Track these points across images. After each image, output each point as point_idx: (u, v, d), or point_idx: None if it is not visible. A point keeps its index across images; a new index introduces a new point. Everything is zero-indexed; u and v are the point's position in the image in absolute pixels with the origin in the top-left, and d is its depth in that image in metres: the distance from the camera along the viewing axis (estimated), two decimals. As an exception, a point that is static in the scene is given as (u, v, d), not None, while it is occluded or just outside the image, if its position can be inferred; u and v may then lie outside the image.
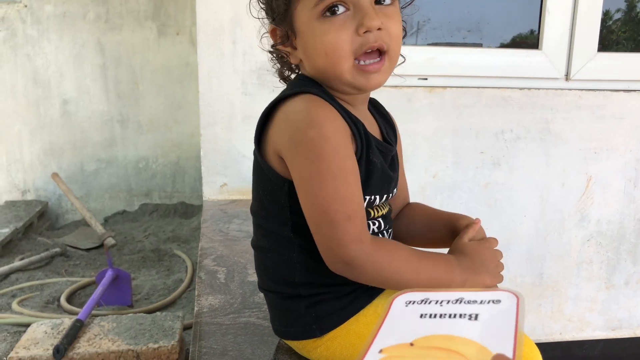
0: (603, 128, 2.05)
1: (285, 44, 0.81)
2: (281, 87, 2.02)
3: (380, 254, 0.73)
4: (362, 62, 0.75)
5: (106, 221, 3.60)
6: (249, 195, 1.93)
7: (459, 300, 0.52)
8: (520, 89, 1.98)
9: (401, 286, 0.67)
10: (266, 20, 0.83)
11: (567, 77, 2.03)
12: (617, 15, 2.27)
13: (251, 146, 2.01)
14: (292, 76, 0.88)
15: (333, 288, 0.80)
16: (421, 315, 0.51)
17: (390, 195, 0.88)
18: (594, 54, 2.02)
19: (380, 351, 0.47)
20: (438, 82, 1.94)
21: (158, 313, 1.83)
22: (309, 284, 0.80)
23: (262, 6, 0.83)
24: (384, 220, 0.87)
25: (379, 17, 0.73)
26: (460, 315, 0.49)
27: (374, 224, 0.84)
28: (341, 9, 0.74)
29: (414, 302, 0.53)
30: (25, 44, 3.39)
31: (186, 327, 1.84)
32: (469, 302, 0.52)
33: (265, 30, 0.84)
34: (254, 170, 0.84)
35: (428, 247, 0.88)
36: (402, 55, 0.83)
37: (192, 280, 2.46)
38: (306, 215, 0.74)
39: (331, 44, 0.74)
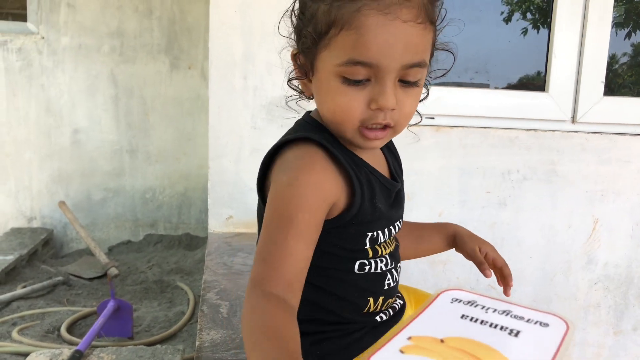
0: (609, 171, 2.05)
1: (302, 72, 0.83)
2: (289, 123, 2.04)
3: (254, 306, 0.64)
4: (365, 129, 0.76)
5: (110, 251, 3.59)
6: (254, 229, 1.94)
7: (506, 312, 0.51)
8: (527, 130, 2.00)
9: (245, 342, 0.62)
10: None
11: (573, 119, 2.04)
12: (623, 59, 2.30)
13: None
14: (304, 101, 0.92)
15: (339, 326, 0.79)
16: (462, 316, 0.50)
17: (394, 231, 0.88)
18: (600, 97, 2.04)
19: (409, 338, 0.47)
20: (445, 121, 1.96)
21: (158, 346, 1.81)
22: (314, 321, 0.80)
23: (293, 25, 0.84)
24: (391, 258, 0.87)
25: (395, 96, 0.74)
26: (502, 328, 0.48)
27: (381, 261, 0.85)
28: (362, 78, 0.73)
29: (460, 300, 0.51)
30: (41, 74, 3.46)
31: (186, 361, 1.81)
32: (515, 316, 0.50)
33: (289, 46, 0.85)
34: (258, 210, 0.85)
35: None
36: (418, 113, 0.84)
37: (193, 313, 2.44)
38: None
39: (341, 107, 0.75)
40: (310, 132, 0.79)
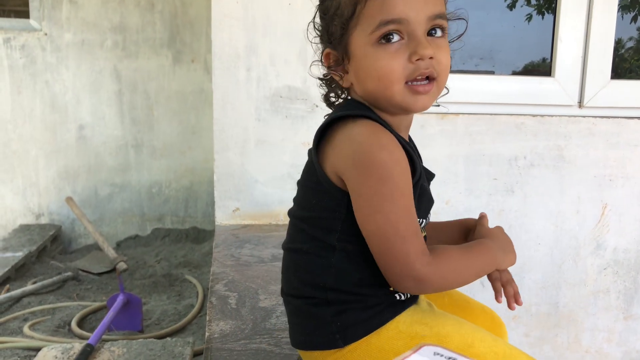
0: (617, 155, 2.03)
1: (337, 68, 0.85)
2: (294, 114, 2.02)
3: (442, 264, 0.77)
4: (413, 85, 0.79)
5: (118, 245, 3.61)
6: (261, 220, 1.94)
7: None
8: (533, 115, 1.98)
9: (460, 284, 0.80)
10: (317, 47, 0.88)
11: (580, 104, 2.02)
12: (630, 44, 2.28)
13: (264, 171, 2.01)
14: (339, 101, 0.92)
15: (361, 297, 0.80)
16: None
17: (427, 221, 0.90)
18: (607, 81, 2.02)
19: None
20: (451, 108, 1.94)
21: (168, 339, 1.82)
22: (339, 290, 0.80)
23: (318, 32, 0.87)
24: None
25: (431, 47, 0.77)
26: None
27: None
28: (396, 37, 0.78)
29: (442, 355, 0.55)
30: (45, 70, 3.47)
31: (196, 354, 1.82)
32: None
33: (316, 58, 0.88)
34: (308, 180, 0.85)
35: None
36: (446, 87, 0.86)
37: (202, 306, 2.45)
38: (372, 232, 0.76)
39: (384, 69, 0.78)
40: (365, 112, 0.81)
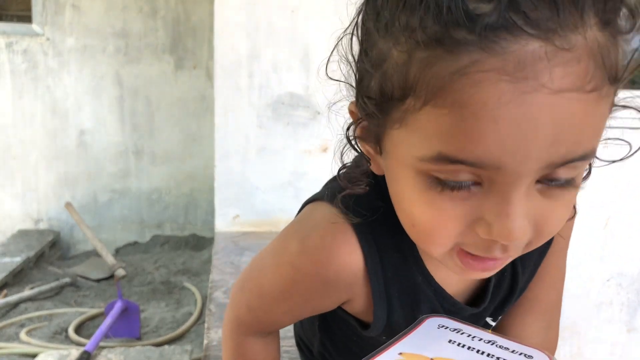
0: (622, 166, 2.02)
1: (367, 138, 0.50)
2: (295, 121, 1.98)
3: (239, 344, 0.65)
4: (464, 252, 0.47)
5: (117, 252, 3.59)
6: (260, 228, 1.92)
7: (491, 342, 0.51)
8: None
9: None
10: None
11: (583, 114, 2.01)
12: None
13: (264, 178, 2.00)
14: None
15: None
16: (450, 341, 0.50)
17: None
18: (610, 91, 2.01)
19: (400, 354, 0.47)
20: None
21: (166, 346, 1.81)
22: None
23: (349, 63, 0.50)
24: None
25: (529, 212, 0.42)
26: (489, 355, 0.49)
27: None
28: (466, 182, 0.42)
29: (447, 327, 0.53)
30: (46, 75, 3.46)
31: (194, 362, 1.80)
32: (500, 346, 0.50)
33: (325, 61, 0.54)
34: None
35: None
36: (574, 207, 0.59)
37: (201, 314, 2.43)
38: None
39: (426, 224, 0.45)
40: (354, 196, 0.54)
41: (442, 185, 0.42)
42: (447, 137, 0.40)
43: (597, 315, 2.09)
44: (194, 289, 2.73)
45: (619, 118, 0.49)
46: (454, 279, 0.58)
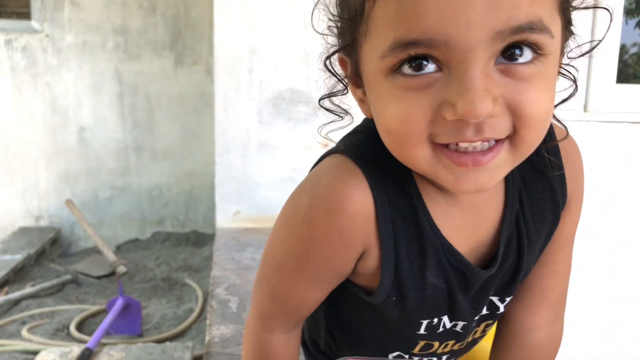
0: (622, 159, 2.02)
1: (357, 85, 0.55)
2: (296, 117, 1.97)
3: (261, 342, 0.64)
4: (448, 149, 0.47)
5: (118, 249, 3.59)
6: (262, 224, 1.92)
7: None
8: (538, 120, 1.97)
9: None
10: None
11: (585, 108, 2.01)
12: (634, 50, 2.26)
13: (265, 174, 1.99)
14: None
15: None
16: None
17: (472, 325, 0.64)
18: (612, 85, 2.00)
19: None
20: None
21: (168, 343, 1.80)
22: (328, 354, 0.75)
23: (334, 19, 0.55)
24: (453, 354, 0.68)
25: (495, 90, 0.44)
26: None
27: (429, 359, 0.67)
28: (429, 67, 0.45)
29: None
30: (46, 72, 3.46)
31: (196, 358, 1.80)
32: None
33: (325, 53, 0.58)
34: None
35: None
36: (561, 123, 0.58)
37: (202, 311, 2.43)
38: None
39: (396, 121, 0.47)
40: (356, 146, 0.56)
41: (406, 77, 0.45)
42: (397, 23, 0.43)
43: (596, 308, 2.09)
44: (195, 285, 2.73)
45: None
46: (462, 236, 0.57)
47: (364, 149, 0.55)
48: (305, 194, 0.57)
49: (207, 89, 3.54)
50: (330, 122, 0.60)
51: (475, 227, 0.58)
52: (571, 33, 0.51)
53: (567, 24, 0.50)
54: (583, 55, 0.54)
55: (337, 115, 0.60)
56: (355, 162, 0.54)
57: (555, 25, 0.46)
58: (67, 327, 2.23)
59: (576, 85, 0.56)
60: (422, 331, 0.62)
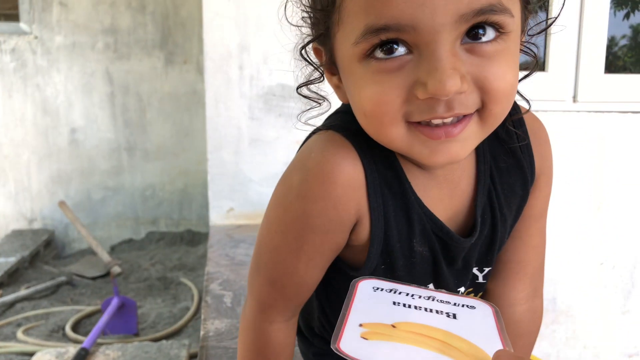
0: (612, 149, 2.03)
1: (332, 72, 0.59)
2: (287, 112, 1.97)
3: (254, 337, 0.64)
4: (421, 124, 0.50)
5: (112, 249, 3.58)
6: (255, 220, 1.92)
7: (430, 298, 0.51)
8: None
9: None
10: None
11: (574, 99, 2.02)
12: (623, 42, 2.28)
13: (258, 170, 1.99)
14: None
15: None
16: (394, 303, 0.50)
17: (459, 292, 0.66)
18: (601, 75, 2.02)
19: (361, 325, 0.46)
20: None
21: (164, 341, 1.80)
22: (320, 337, 0.77)
23: (306, 9, 0.59)
24: None
25: (462, 68, 0.47)
26: (438, 312, 0.49)
27: None
28: (400, 50, 0.48)
29: (382, 289, 0.52)
30: (36, 74, 3.44)
31: (192, 356, 1.80)
32: (441, 301, 0.51)
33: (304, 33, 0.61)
34: None
35: None
36: (525, 99, 0.61)
37: (198, 309, 2.43)
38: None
39: (372, 103, 0.50)
40: (339, 121, 0.59)
41: (378, 61, 0.48)
42: (368, 10, 0.47)
43: (591, 298, 2.11)
44: (190, 284, 2.73)
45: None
46: (441, 207, 0.60)
47: (350, 124, 0.57)
48: (296, 170, 0.58)
49: (198, 87, 3.53)
50: (309, 109, 0.63)
51: (452, 200, 0.61)
52: (530, 12, 0.55)
53: (525, 4, 0.53)
54: (541, 32, 0.57)
55: (316, 101, 0.63)
56: (343, 135, 0.56)
57: (514, 5, 0.49)
58: (63, 328, 2.23)
59: (537, 61, 0.60)
60: None
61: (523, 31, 0.55)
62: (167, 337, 2.16)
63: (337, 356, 0.75)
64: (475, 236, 0.61)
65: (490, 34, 0.48)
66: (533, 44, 0.58)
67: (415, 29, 0.46)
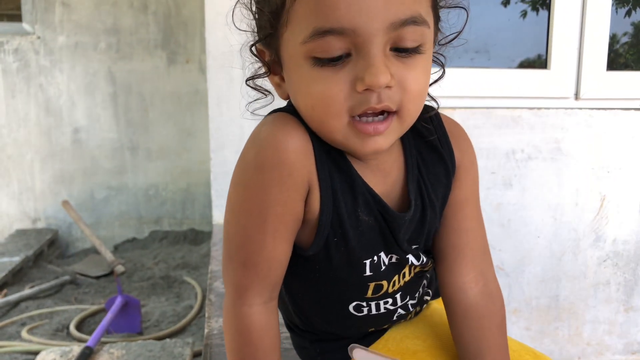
0: (615, 146, 2.03)
1: (275, 72, 0.67)
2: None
3: (236, 323, 0.66)
4: (358, 119, 0.59)
5: (116, 249, 3.59)
6: (258, 219, 1.91)
7: None
8: (530, 108, 1.98)
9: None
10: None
11: (576, 96, 2.02)
12: (625, 39, 2.27)
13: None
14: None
15: (332, 335, 0.79)
16: None
17: (407, 262, 0.72)
18: (603, 73, 2.01)
19: None
20: (447, 103, 1.93)
21: (167, 340, 1.81)
22: (309, 330, 0.80)
23: (253, 14, 0.68)
24: (404, 292, 0.75)
25: (390, 69, 0.57)
26: None
27: (385, 302, 0.74)
28: (340, 55, 0.57)
29: None
30: (38, 74, 3.45)
31: (196, 354, 1.81)
32: None
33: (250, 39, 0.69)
34: None
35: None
36: (434, 100, 0.71)
37: (202, 307, 2.43)
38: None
39: (319, 97, 0.58)
40: (290, 107, 0.66)
41: (322, 62, 0.57)
42: (316, 14, 0.55)
43: (594, 295, 2.11)
44: (194, 282, 2.74)
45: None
46: (377, 183, 0.67)
47: (295, 110, 0.64)
48: (250, 146, 0.64)
49: (200, 86, 3.54)
50: (255, 100, 0.73)
51: (385, 186, 0.68)
52: (438, 29, 0.65)
53: (437, 20, 0.64)
54: (447, 43, 0.68)
55: (262, 93, 0.73)
56: (290, 113, 0.64)
57: (430, 19, 0.60)
58: (67, 327, 2.24)
59: (444, 70, 0.71)
60: (368, 272, 0.69)
61: (434, 43, 0.65)
62: (171, 335, 2.17)
63: (334, 340, 0.77)
64: (411, 212, 0.68)
65: (409, 45, 0.58)
66: (441, 54, 0.70)
67: (355, 32, 0.55)
